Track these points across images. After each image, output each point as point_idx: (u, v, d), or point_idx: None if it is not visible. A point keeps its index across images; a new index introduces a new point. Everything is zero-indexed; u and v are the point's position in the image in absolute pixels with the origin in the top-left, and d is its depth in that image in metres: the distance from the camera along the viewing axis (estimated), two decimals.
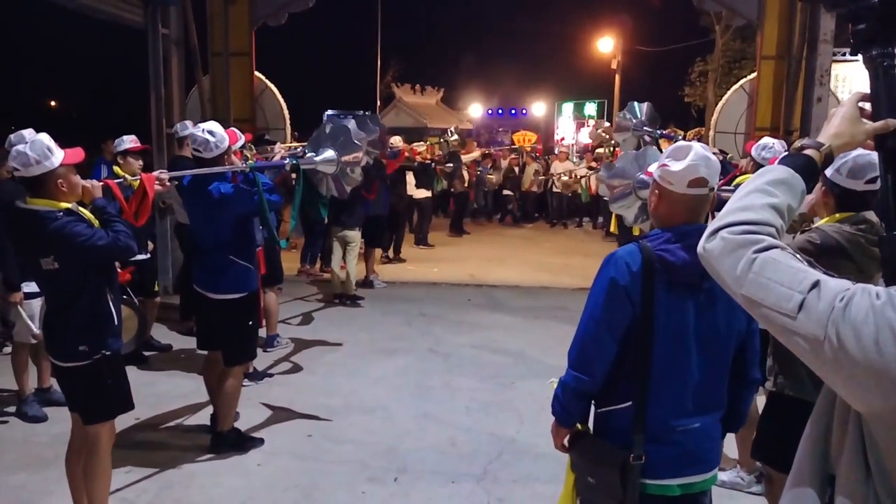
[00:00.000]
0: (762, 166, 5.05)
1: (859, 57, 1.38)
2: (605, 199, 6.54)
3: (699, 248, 1.39)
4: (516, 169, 16.85)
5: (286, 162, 4.48)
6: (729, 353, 2.21)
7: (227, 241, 4.22)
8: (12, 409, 4.93)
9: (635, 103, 6.90)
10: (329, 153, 4.45)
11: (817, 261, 2.64)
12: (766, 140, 5.17)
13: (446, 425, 4.93)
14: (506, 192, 16.77)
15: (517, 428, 4.87)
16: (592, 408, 2.33)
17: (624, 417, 2.17)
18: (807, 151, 1.44)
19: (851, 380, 1.15)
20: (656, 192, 2.21)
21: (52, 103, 43.25)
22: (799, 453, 1.41)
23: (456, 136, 12.80)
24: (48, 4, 7.83)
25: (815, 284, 1.19)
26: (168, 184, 3.89)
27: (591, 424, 2.37)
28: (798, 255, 1.26)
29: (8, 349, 5.56)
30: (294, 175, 4.43)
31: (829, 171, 2.76)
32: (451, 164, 11.46)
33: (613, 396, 2.22)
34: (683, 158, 2.12)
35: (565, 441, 2.35)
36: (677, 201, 2.15)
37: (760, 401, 3.38)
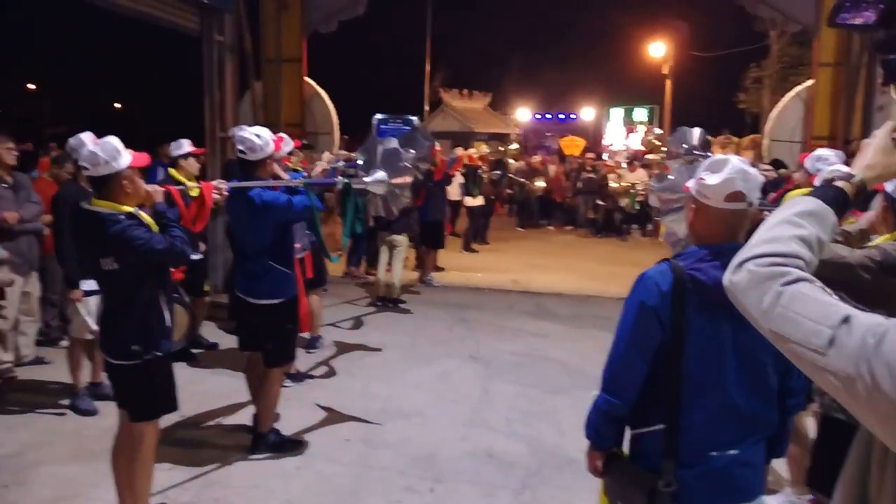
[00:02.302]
0: None
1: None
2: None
3: (724, 281, 1.35)
4: (610, 178, 15.76)
5: (338, 181, 4.59)
6: (770, 376, 2.12)
7: (267, 247, 4.30)
8: (66, 401, 5.12)
9: (685, 129, 6.78)
10: (380, 174, 4.55)
11: (877, 279, 2.57)
12: (821, 151, 4.91)
13: (485, 434, 4.92)
14: (599, 202, 15.75)
15: (558, 441, 4.79)
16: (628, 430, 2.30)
17: (656, 441, 2.13)
18: (838, 183, 1.42)
19: (888, 420, 1.10)
20: (693, 206, 2.17)
21: (117, 105, 44.81)
22: (837, 493, 1.36)
23: (516, 146, 12.87)
24: (113, 14, 8.12)
25: (846, 319, 1.13)
26: (226, 193, 4.02)
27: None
28: (827, 289, 1.22)
29: (65, 343, 5.78)
30: (344, 193, 4.54)
31: (889, 187, 2.67)
32: (498, 172, 11.50)
33: (646, 419, 2.18)
34: (720, 171, 2.08)
35: (599, 464, 2.31)
36: (714, 216, 2.10)
37: (812, 423, 3.29)
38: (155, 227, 3.34)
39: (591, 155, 17.22)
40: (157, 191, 3.45)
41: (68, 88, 35.64)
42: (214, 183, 3.87)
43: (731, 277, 1.33)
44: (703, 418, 2.08)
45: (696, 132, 6.68)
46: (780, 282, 1.23)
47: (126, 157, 3.29)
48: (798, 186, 5.04)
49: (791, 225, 1.33)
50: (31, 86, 39.21)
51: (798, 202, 1.39)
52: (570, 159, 19.04)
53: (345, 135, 16.12)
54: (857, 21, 1.51)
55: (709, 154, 6.89)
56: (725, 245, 2.06)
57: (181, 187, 3.79)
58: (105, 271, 3.30)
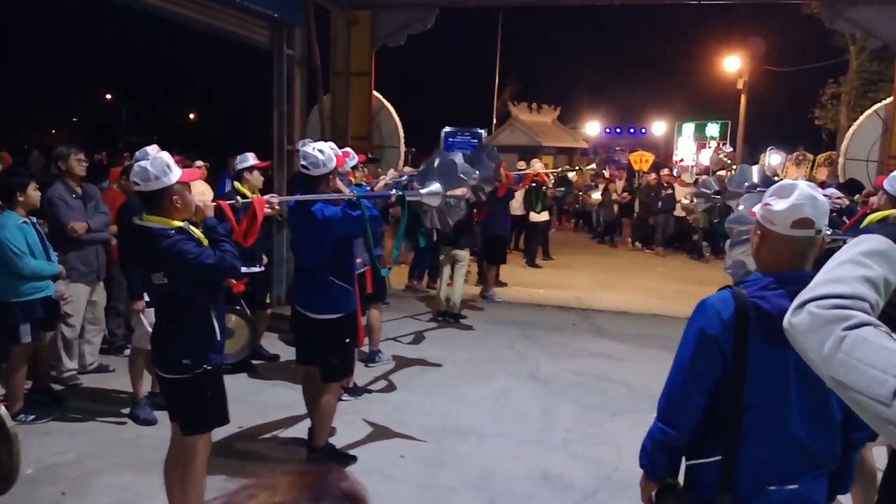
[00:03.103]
0: None
1: None
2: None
3: (784, 322, 1.29)
4: (680, 194, 14.90)
5: (392, 192, 4.57)
6: (834, 408, 2.03)
7: (327, 262, 4.30)
8: (127, 410, 5.21)
9: (744, 167, 6.57)
10: (435, 186, 4.51)
11: None
12: None
13: (541, 455, 4.81)
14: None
15: (616, 464, 4.66)
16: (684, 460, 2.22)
17: (712, 473, 2.06)
18: None
19: None
20: (758, 232, 2.09)
21: (192, 116, 46.55)
22: None
23: (593, 166, 12.77)
24: (188, 29, 8.38)
25: None
26: (277, 207, 4.04)
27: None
28: (893, 335, 1.14)
29: (129, 352, 5.92)
30: (399, 204, 4.52)
31: None
32: (563, 189, 11.37)
33: (703, 450, 2.11)
34: (787, 197, 2.00)
35: (652, 495, 2.26)
36: (781, 243, 2.03)
37: (879, 453, 3.08)
38: (205, 242, 3.35)
39: (666, 171, 16.83)
40: (207, 205, 3.46)
41: (144, 99, 37.17)
42: (266, 197, 3.89)
43: (791, 319, 1.27)
44: (763, 451, 2.01)
45: (755, 169, 6.45)
46: (843, 326, 1.17)
47: (176, 173, 3.30)
48: (878, 209, 4.83)
49: (856, 265, 1.27)
50: (108, 96, 41.05)
51: (865, 240, 1.31)
52: (641, 175, 18.71)
53: (412, 148, 16.16)
54: None
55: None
56: (791, 273, 2.01)
57: (232, 202, 3.80)
58: (156, 286, 3.34)
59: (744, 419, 2.01)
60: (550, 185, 11.10)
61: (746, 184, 6.54)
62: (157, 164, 3.27)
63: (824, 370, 1.18)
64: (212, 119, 42.50)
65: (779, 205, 2.01)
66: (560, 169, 11.97)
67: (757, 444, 2.00)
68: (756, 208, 2.13)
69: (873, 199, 5.28)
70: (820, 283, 1.28)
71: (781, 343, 1.91)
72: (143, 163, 3.29)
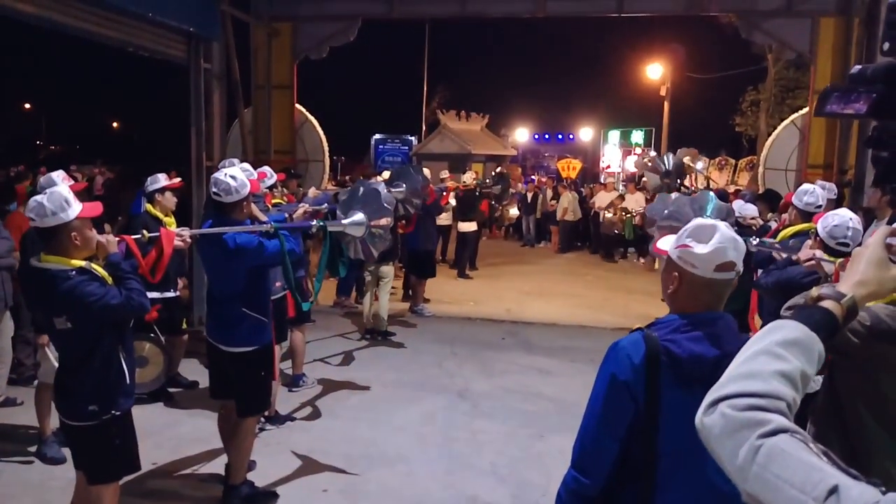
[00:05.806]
0: (807, 213, 4.83)
1: None
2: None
3: (696, 421, 1.18)
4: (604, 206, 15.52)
5: (313, 224, 4.43)
6: None
7: (240, 293, 4.12)
8: (34, 448, 4.90)
9: (670, 154, 6.76)
10: (358, 216, 4.41)
11: (865, 343, 2.42)
12: (806, 186, 5.04)
13: (469, 482, 4.75)
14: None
15: (544, 488, 4.61)
16: None
17: None
18: (825, 303, 1.23)
19: None
20: (675, 273, 2.02)
21: (115, 124, 45.16)
22: None
23: (472, 174, 12.66)
24: (102, 46, 8.03)
25: (833, 490, 0.97)
26: (189, 240, 3.85)
27: None
28: (811, 445, 1.05)
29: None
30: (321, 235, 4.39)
31: None
32: (499, 186, 11.23)
33: (619, 498, 2.05)
34: (709, 239, 1.94)
35: None
36: (702, 286, 1.98)
37: None
38: (110, 280, 3.17)
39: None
40: (109, 241, 3.26)
41: (64, 108, 35.74)
42: (176, 231, 3.71)
43: (704, 419, 1.17)
44: (679, 498, 1.96)
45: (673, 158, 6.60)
46: (758, 432, 1.07)
47: (75, 208, 3.11)
48: (789, 225, 5.03)
49: (772, 357, 1.16)
50: (26, 105, 39.38)
51: (780, 327, 1.21)
52: (569, 182, 19.02)
53: (342, 157, 15.86)
54: (848, 111, 1.36)
55: (677, 181, 6.81)
56: (703, 315, 1.98)
57: (138, 237, 3.61)
58: (59, 330, 3.14)
59: (659, 466, 1.96)
60: (487, 184, 11.08)
61: (663, 168, 6.73)
62: (54, 198, 3.08)
63: (740, 483, 1.08)
64: (136, 126, 41.18)
65: (701, 248, 1.95)
66: (474, 182, 11.85)
67: (673, 490, 1.96)
68: (670, 250, 2.05)
69: (785, 216, 5.49)
70: (733, 377, 1.17)
71: (694, 387, 1.85)
72: (39, 197, 3.10)
